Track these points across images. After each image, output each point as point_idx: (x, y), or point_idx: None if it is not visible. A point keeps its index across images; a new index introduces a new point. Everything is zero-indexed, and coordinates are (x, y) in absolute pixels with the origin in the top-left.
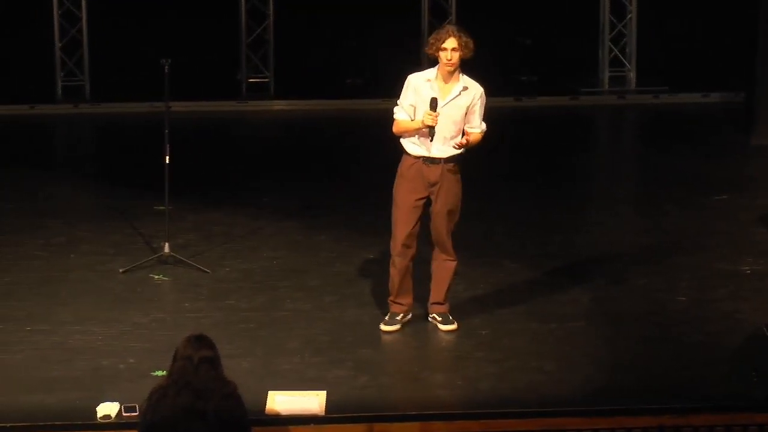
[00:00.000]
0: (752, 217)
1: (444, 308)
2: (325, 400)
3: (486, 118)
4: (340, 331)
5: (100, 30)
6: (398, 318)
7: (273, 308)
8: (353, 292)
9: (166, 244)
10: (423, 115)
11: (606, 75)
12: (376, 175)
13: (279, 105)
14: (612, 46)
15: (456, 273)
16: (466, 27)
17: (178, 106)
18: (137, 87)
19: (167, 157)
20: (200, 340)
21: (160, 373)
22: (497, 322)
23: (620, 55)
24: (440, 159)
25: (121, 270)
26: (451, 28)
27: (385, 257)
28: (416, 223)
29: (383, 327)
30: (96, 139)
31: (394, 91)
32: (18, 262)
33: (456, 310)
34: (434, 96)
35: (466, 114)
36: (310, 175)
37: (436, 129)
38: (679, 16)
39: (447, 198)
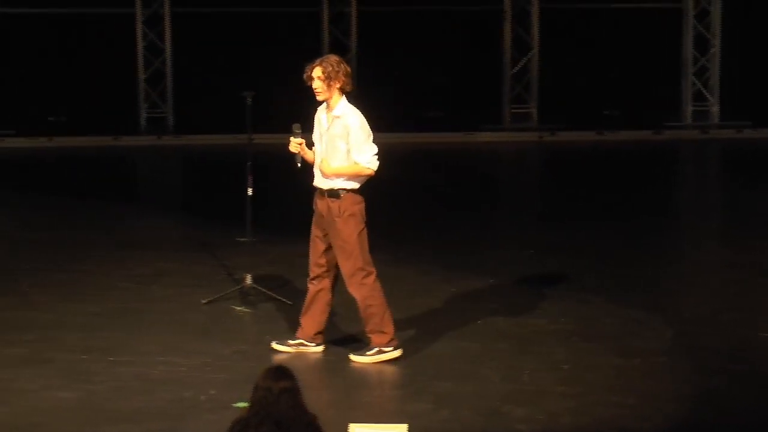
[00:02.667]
0: None
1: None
2: None
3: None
4: (421, 364)
5: (183, 62)
6: (291, 341)
7: (354, 341)
8: (435, 325)
9: (248, 276)
10: None
11: (689, 109)
12: (459, 208)
13: None
14: (695, 80)
15: (367, 306)
16: (552, 58)
17: (261, 138)
18: (220, 119)
19: (250, 189)
20: (280, 372)
21: (241, 404)
22: (579, 356)
23: (703, 90)
24: (323, 190)
25: (203, 301)
26: (326, 57)
27: (470, 293)
28: (321, 254)
29: (273, 344)
30: (179, 171)
31: (472, 125)
32: (102, 292)
33: (538, 343)
34: (321, 124)
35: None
36: (391, 207)
37: (319, 157)
38: (763, 51)
39: (332, 236)
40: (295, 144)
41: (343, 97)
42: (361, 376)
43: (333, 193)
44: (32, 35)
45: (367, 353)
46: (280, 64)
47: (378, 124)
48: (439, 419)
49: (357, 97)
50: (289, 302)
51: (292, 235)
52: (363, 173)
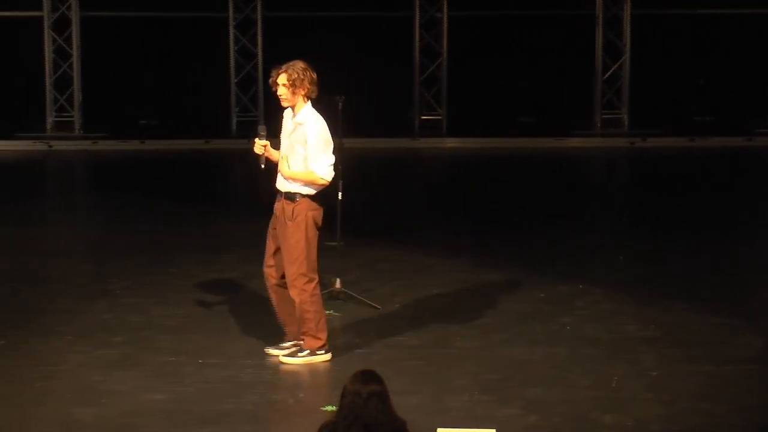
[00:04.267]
0: None
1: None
2: None
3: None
4: (510, 369)
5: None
6: (284, 345)
7: (442, 345)
8: (523, 330)
9: (338, 280)
10: None
11: None
12: (548, 213)
13: (451, 142)
14: None
15: (304, 311)
16: (643, 64)
17: (351, 143)
18: None
19: (340, 194)
20: (368, 375)
21: (330, 408)
22: (668, 362)
23: None
24: (281, 192)
25: None
26: (292, 63)
27: (559, 298)
28: (275, 250)
29: (270, 351)
30: (270, 174)
31: (563, 131)
32: (192, 295)
33: (626, 351)
34: (286, 128)
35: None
36: (481, 212)
37: (282, 159)
38: None
39: (282, 236)
40: (260, 145)
41: (308, 104)
42: (449, 381)
43: (290, 196)
44: (126, 39)
45: (300, 355)
46: (372, 69)
47: (467, 128)
48: (527, 425)
49: (448, 101)
50: (377, 306)
51: (381, 239)
52: (317, 182)
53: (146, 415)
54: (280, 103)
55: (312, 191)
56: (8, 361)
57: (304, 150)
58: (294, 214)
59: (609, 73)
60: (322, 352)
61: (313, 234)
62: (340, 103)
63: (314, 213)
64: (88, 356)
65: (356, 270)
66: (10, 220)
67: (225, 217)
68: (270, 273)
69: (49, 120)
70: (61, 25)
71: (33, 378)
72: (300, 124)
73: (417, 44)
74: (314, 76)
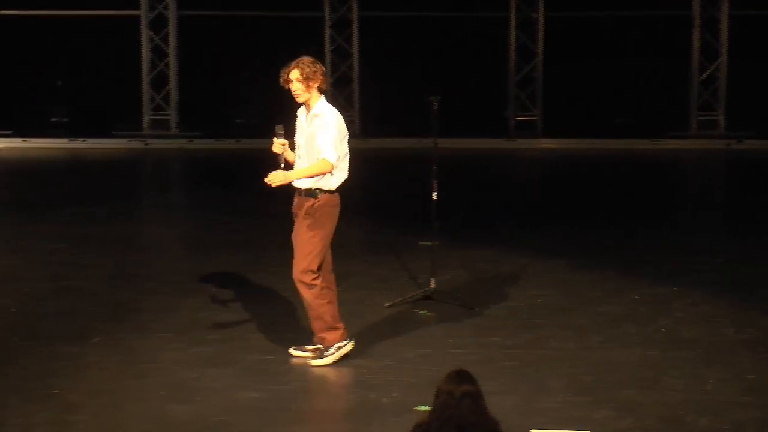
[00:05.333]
0: None
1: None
2: None
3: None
4: (605, 371)
5: (370, 66)
6: (309, 347)
7: (537, 346)
8: (619, 332)
9: (432, 280)
10: None
11: None
12: (644, 215)
13: (546, 143)
14: None
15: (314, 308)
16: (740, 65)
17: (446, 143)
18: (405, 123)
19: (434, 193)
20: (461, 375)
21: (423, 408)
22: (766, 366)
23: None
24: (300, 189)
25: (386, 304)
26: (300, 59)
27: (654, 300)
28: None
29: (291, 350)
30: (363, 174)
31: (659, 132)
32: (287, 294)
33: (723, 353)
34: (301, 124)
35: None
36: (576, 213)
37: (300, 156)
38: None
39: (297, 231)
40: (279, 145)
41: (322, 97)
42: (544, 382)
43: (310, 193)
44: (220, 38)
45: (326, 354)
46: (467, 69)
47: (562, 129)
48: (622, 427)
49: (543, 101)
50: (471, 307)
51: (475, 239)
52: (324, 170)
53: (241, 413)
54: (295, 101)
55: (332, 186)
56: (105, 357)
57: (318, 139)
58: (314, 209)
59: (706, 75)
60: (345, 341)
61: (328, 232)
62: (435, 104)
63: (333, 210)
64: (184, 353)
65: (451, 270)
66: (107, 218)
67: None
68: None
69: (146, 118)
70: (158, 25)
71: (129, 375)
72: (316, 115)
73: (512, 44)
74: (323, 68)
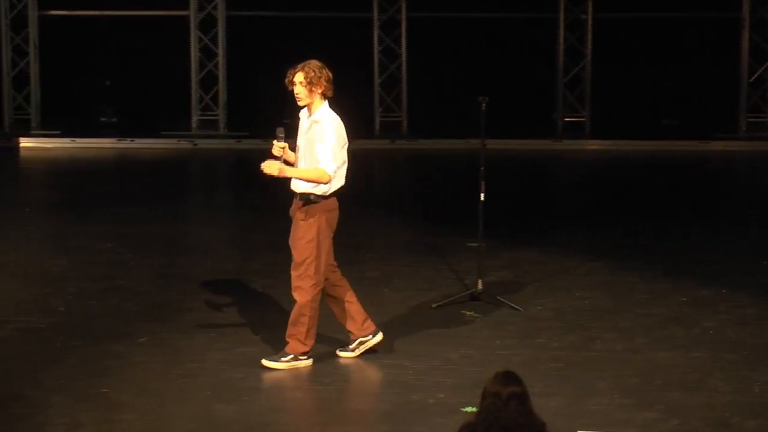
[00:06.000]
0: None
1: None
2: None
3: None
4: (651, 373)
5: (418, 67)
6: (351, 347)
7: (583, 348)
8: (665, 334)
9: (479, 281)
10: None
11: None
12: (692, 217)
13: (594, 144)
14: None
15: (301, 314)
16: None
17: (494, 144)
18: (453, 123)
19: (482, 194)
20: (508, 377)
21: (469, 409)
22: None
23: None
24: (296, 193)
25: (433, 305)
26: (308, 62)
27: (701, 302)
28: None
29: (339, 351)
30: (411, 175)
31: (707, 134)
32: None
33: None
34: (302, 128)
35: None
36: (623, 215)
37: (299, 158)
38: None
39: (293, 236)
40: (278, 148)
41: (325, 103)
42: (589, 384)
43: (304, 198)
44: (269, 38)
45: (283, 359)
46: (514, 70)
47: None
48: (667, 429)
49: (591, 103)
50: (518, 308)
51: (523, 240)
52: (322, 179)
53: (285, 413)
54: (296, 103)
55: (327, 192)
56: (151, 357)
57: (318, 148)
58: (307, 214)
59: (755, 77)
60: (305, 357)
61: (325, 236)
62: (483, 104)
63: (329, 215)
64: (229, 353)
65: (497, 271)
66: (154, 218)
67: (366, 217)
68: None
69: (194, 119)
70: (207, 25)
71: (175, 374)
72: (316, 122)
73: (561, 45)
74: (330, 74)
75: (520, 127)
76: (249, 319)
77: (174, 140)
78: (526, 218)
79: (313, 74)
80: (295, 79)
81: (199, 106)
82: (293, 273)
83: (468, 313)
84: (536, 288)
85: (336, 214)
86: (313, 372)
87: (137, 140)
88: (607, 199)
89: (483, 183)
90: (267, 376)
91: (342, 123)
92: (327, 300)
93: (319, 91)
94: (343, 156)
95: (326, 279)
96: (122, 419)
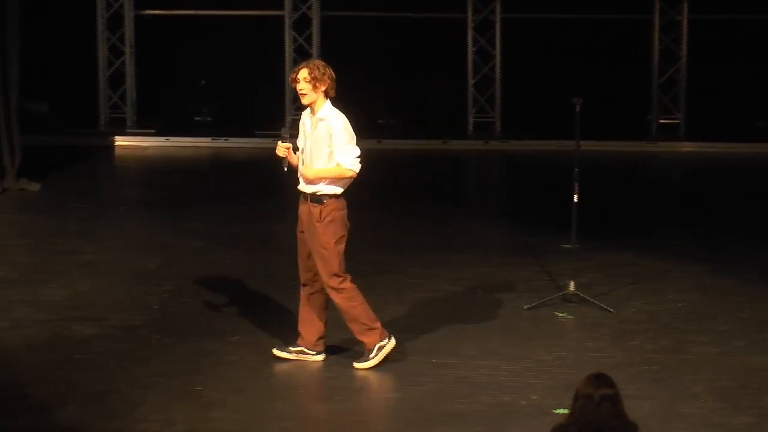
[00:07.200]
0: None
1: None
2: None
3: None
4: (746, 377)
5: (512, 67)
6: (292, 348)
7: (678, 351)
8: (761, 337)
9: (572, 283)
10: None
11: None
12: None
13: (688, 146)
14: None
15: (351, 307)
16: None
17: (588, 145)
18: (547, 125)
19: (576, 196)
20: (600, 379)
21: (562, 411)
22: None
23: None
24: (306, 194)
25: (526, 307)
26: (312, 60)
27: None
28: (307, 258)
29: (274, 350)
30: (505, 176)
31: None
32: (428, 295)
33: None
34: (305, 128)
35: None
36: (717, 217)
37: (303, 160)
38: None
39: (310, 240)
40: (282, 148)
41: (328, 101)
42: (683, 388)
43: (316, 198)
44: (362, 39)
45: (370, 357)
46: (609, 71)
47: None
48: None
49: (686, 104)
50: (611, 310)
51: (616, 242)
52: (345, 175)
53: (378, 413)
54: (300, 101)
55: (339, 189)
56: (245, 355)
57: (329, 146)
58: (322, 215)
59: None
60: (386, 341)
61: (343, 234)
62: (578, 105)
63: (342, 213)
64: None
65: (591, 273)
66: (248, 217)
67: (461, 218)
68: (308, 277)
69: (288, 118)
70: (302, 25)
71: (268, 373)
72: (321, 120)
73: (656, 47)
74: (333, 74)
75: (614, 129)
76: (340, 317)
77: (268, 140)
78: (620, 220)
79: (317, 71)
80: (299, 76)
81: (293, 106)
82: (321, 275)
83: (560, 314)
84: (630, 290)
85: (346, 212)
86: (407, 372)
87: (231, 139)
88: (702, 202)
89: (577, 184)
90: (360, 376)
91: (347, 119)
92: (301, 298)
93: (323, 88)
94: (356, 148)
95: (317, 281)
96: (215, 417)
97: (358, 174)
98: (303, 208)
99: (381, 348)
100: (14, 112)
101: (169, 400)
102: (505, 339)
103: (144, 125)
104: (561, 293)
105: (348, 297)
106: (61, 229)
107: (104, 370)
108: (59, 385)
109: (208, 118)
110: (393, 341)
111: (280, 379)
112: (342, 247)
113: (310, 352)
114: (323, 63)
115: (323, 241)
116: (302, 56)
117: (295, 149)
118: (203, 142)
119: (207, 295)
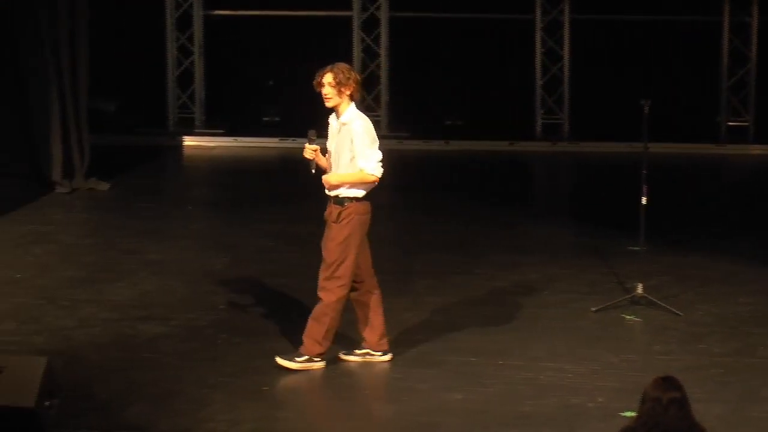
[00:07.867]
0: None
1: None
2: None
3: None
4: None
5: (580, 68)
6: (357, 351)
7: (746, 354)
8: None
9: (640, 285)
10: None
11: None
12: None
13: (758, 149)
14: None
15: (324, 313)
16: None
17: (656, 147)
18: (616, 127)
19: (644, 198)
20: (668, 382)
21: (629, 413)
22: None
23: None
24: (330, 197)
25: (593, 309)
26: (337, 64)
27: None
28: None
29: (341, 354)
30: (573, 178)
31: None
32: (495, 296)
33: None
34: (332, 130)
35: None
36: (757, 217)
37: (331, 164)
38: None
39: (325, 238)
40: (310, 150)
41: (352, 105)
42: (752, 391)
43: (338, 201)
44: (430, 40)
45: (296, 359)
46: (678, 73)
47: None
48: None
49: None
50: (679, 313)
51: (685, 245)
52: (366, 180)
53: (445, 414)
54: (324, 105)
55: (361, 193)
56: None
57: (351, 150)
58: (341, 217)
59: None
60: (319, 359)
61: (358, 240)
62: (646, 108)
63: (362, 217)
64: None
65: (659, 275)
66: (315, 217)
67: (528, 220)
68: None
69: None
70: (370, 25)
71: (335, 373)
72: (344, 124)
73: (725, 48)
74: (358, 77)
75: (683, 131)
76: (410, 319)
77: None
78: (688, 222)
79: (342, 75)
80: (324, 81)
81: (362, 107)
82: (321, 273)
83: (628, 317)
84: (698, 293)
85: (369, 218)
86: (474, 373)
87: (299, 140)
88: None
89: (645, 186)
90: (426, 377)
91: (370, 122)
92: (353, 302)
93: (348, 92)
94: (377, 152)
95: (362, 282)
96: (282, 417)
97: (379, 179)
98: (328, 210)
99: (310, 361)
100: (83, 112)
101: (236, 400)
102: (572, 341)
103: (212, 125)
104: (629, 296)
105: (331, 305)
106: (128, 228)
107: (170, 369)
108: (125, 384)
109: (276, 119)
110: (323, 363)
111: (346, 380)
112: (352, 253)
113: (375, 353)
114: (348, 67)
115: (335, 242)
116: (370, 57)
117: (324, 151)
118: (271, 143)
119: (273, 296)
